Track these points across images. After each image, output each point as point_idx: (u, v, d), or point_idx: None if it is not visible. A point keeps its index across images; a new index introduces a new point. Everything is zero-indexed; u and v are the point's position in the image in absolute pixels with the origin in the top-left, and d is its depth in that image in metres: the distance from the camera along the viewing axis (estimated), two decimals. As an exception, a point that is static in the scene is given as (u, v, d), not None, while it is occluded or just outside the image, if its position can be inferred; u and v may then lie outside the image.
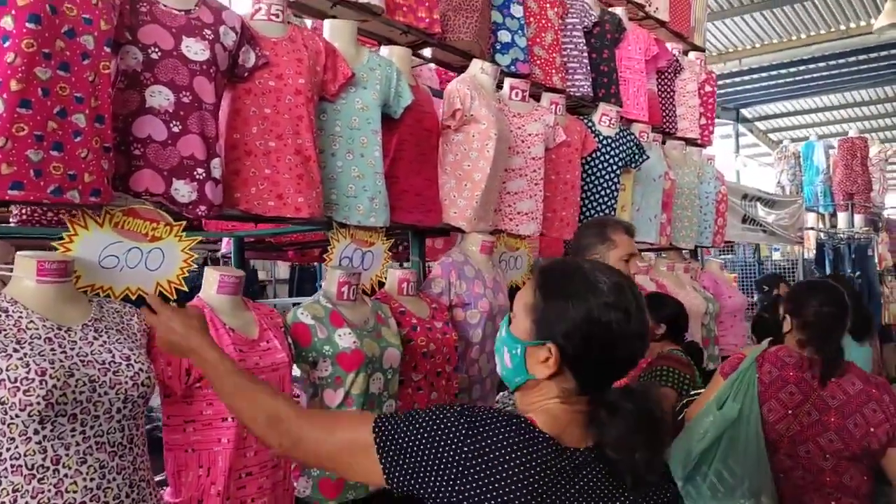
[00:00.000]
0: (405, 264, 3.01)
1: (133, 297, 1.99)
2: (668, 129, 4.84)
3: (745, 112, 15.84)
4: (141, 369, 1.77)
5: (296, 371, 2.26)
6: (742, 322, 4.99)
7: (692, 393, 2.87)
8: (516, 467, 1.17)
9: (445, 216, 2.99)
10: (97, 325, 1.78)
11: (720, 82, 13.23)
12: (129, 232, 1.95)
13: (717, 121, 15.67)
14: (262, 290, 7.62)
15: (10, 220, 2.89)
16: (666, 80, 4.90)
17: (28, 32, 1.60)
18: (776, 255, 9.92)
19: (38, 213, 2.98)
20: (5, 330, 1.62)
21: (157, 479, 1.88)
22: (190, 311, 1.75)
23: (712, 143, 5.39)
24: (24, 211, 2.99)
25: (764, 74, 12.90)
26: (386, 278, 2.71)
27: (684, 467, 2.33)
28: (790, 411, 2.35)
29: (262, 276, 7.80)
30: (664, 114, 4.82)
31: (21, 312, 1.67)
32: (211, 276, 2.08)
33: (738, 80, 13.30)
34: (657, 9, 4.87)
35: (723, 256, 10.65)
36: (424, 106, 2.86)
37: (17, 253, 1.76)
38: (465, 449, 1.20)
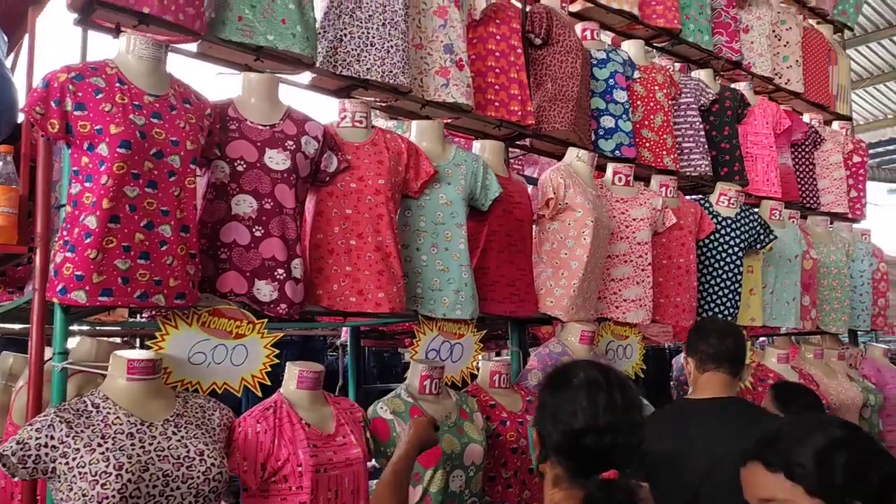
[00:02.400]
0: (503, 353, 2.98)
1: (220, 391, 2.12)
2: (808, 205, 4.50)
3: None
4: (213, 464, 1.86)
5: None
6: (913, 416, 4.38)
7: None
8: None
9: (542, 305, 2.94)
10: (178, 421, 1.90)
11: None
12: (215, 330, 2.09)
13: (903, 188, 14.23)
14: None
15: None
16: (804, 153, 4.60)
17: (119, 157, 1.82)
18: (973, 337, 8.68)
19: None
20: (94, 425, 1.77)
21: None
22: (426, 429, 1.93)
23: (865, 217, 4.93)
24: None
25: (950, 134, 11.76)
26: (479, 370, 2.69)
27: None
28: None
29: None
30: (802, 189, 4.50)
31: (110, 408, 1.83)
32: (291, 372, 2.17)
33: (919, 141, 12.22)
34: (789, 80, 4.63)
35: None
36: (515, 196, 2.87)
37: (113, 352, 1.94)
38: None
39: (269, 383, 2.19)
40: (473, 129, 3.09)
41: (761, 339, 5.12)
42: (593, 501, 1.33)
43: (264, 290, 2.13)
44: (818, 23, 5.14)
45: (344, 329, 4.17)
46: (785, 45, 4.67)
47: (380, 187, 2.40)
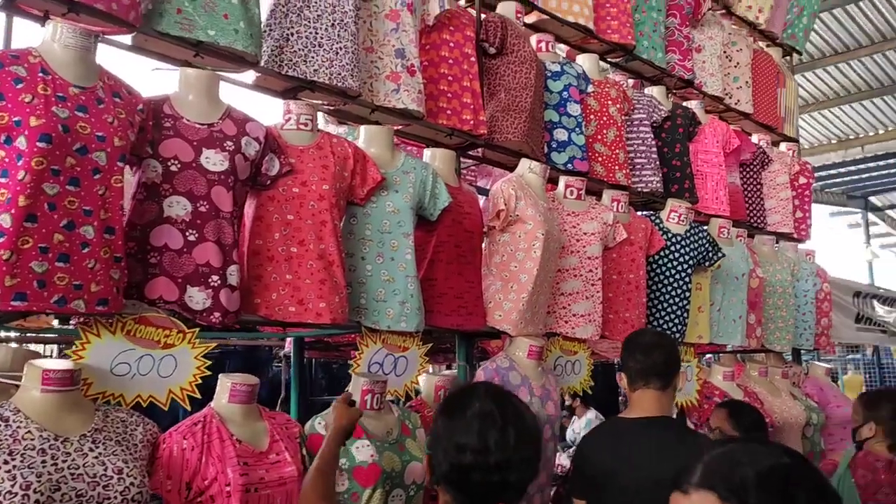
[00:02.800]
0: (452, 367, 2.90)
1: (144, 405, 1.99)
2: (755, 224, 4.55)
3: (874, 200, 14.92)
4: (132, 483, 1.73)
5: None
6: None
7: None
8: None
9: (490, 319, 2.88)
10: (96, 436, 1.77)
11: (843, 170, 12.63)
12: (142, 339, 1.97)
13: (843, 209, 14.75)
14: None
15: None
16: (752, 173, 4.66)
17: (39, 151, 1.69)
18: (908, 357, 8.97)
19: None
20: (1, 441, 1.63)
21: None
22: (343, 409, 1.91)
23: (810, 238, 5.02)
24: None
25: (891, 161, 12.17)
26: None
27: None
28: None
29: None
30: (750, 208, 4.55)
31: (20, 422, 1.69)
32: (223, 384, 2.06)
33: (862, 167, 12.63)
34: (739, 101, 4.69)
35: (849, 357, 9.78)
36: (465, 206, 2.81)
37: (28, 361, 1.80)
38: None
39: (199, 396, 2.07)
40: (424, 136, 3.02)
41: (707, 356, 5.16)
42: None
43: (197, 298, 2.02)
44: (768, 45, 5.24)
45: (288, 339, 4.04)
46: (735, 66, 4.73)
47: (324, 193, 2.30)
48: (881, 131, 11.92)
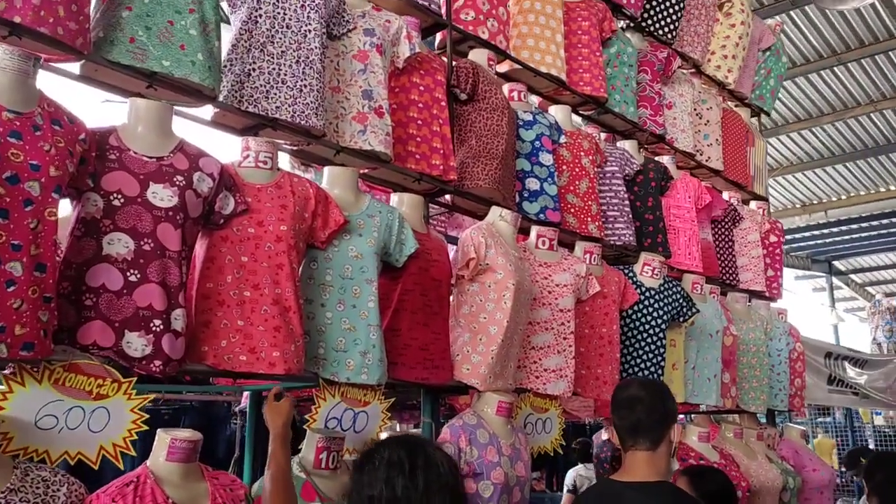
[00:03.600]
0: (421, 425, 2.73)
1: (72, 463, 1.79)
2: (728, 281, 4.49)
3: (837, 264, 15.10)
4: (48, 551, 1.53)
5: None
6: (830, 501, 4.30)
7: None
8: None
9: (458, 373, 2.72)
10: (10, 498, 1.58)
11: (807, 234, 12.81)
12: (71, 389, 1.78)
13: (808, 273, 14.92)
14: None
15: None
16: (723, 230, 4.62)
17: (-39, 178, 1.54)
18: (879, 420, 8.92)
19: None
20: None
21: None
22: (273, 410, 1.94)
23: (781, 296, 4.98)
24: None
25: (854, 226, 12.39)
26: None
27: None
28: None
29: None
30: (723, 265, 4.49)
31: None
32: (161, 441, 1.87)
33: (826, 231, 12.83)
34: (709, 158, 4.69)
35: (819, 420, 9.71)
36: (433, 254, 2.68)
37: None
38: None
39: (134, 454, 1.88)
40: (392, 181, 2.91)
41: (680, 416, 5.02)
42: None
43: (135, 344, 1.84)
44: (737, 105, 5.29)
45: (245, 393, 3.83)
46: (706, 124, 4.75)
47: (281, 234, 2.16)
48: (843, 197, 12.17)
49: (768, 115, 5.80)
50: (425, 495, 1.38)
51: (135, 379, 1.85)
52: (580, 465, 5.51)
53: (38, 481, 1.66)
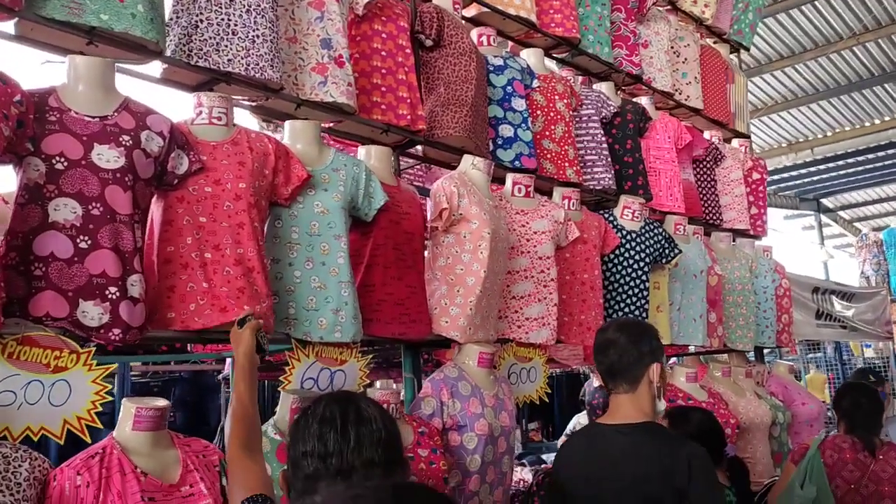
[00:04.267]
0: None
1: (35, 439, 1.74)
2: (711, 221, 4.44)
3: (825, 202, 15.12)
4: (8, 528, 1.48)
5: None
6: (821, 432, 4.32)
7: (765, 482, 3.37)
8: None
9: (436, 326, 2.67)
10: (-33, 475, 1.52)
11: (794, 172, 12.76)
12: (27, 363, 1.71)
13: (797, 212, 14.93)
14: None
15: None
16: (705, 170, 4.55)
17: None
18: (869, 353, 8.99)
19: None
20: None
21: None
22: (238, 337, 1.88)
23: (766, 234, 4.94)
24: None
25: (840, 163, 12.35)
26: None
27: None
28: (852, 486, 2.86)
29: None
30: (705, 204, 4.43)
31: None
32: (127, 410, 1.81)
33: (813, 169, 12.78)
34: (688, 97, 4.59)
35: (810, 356, 9.80)
36: (404, 206, 2.61)
37: None
38: None
39: (99, 425, 1.82)
40: (359, 134, 2.81)
41: (672, 360, 5.01)
42: None
43: (91, 313, 1.77)
44: (715, 42, 5.17)
45: (228, 360, 3.78)
46: (684, 62, 4.64)
47: (240, 192, 2.08)
48: (829, 133, 12.08)
49: (748, 50, 5.68)
50: (356, 449, 1.36)
51: (93, 349, 1.79)
52: (583, 413, 5.53)
53: (-3, 458, 1.60)
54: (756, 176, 4.97)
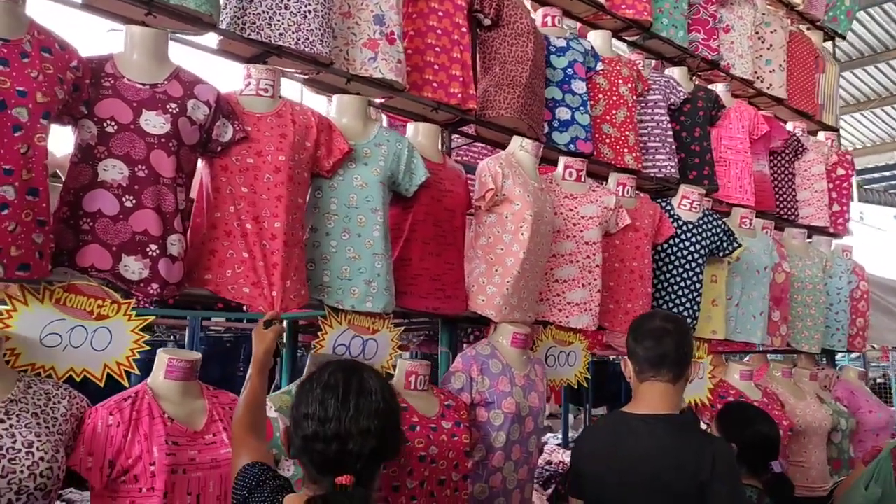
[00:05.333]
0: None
1: (78, 379, 1.89)
2: (785, 216, 4.26)
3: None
4: (42, 458, 1.63)
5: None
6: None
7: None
8: None
9: (473, 304, 2.71)
10: (10, 407, 1.68)
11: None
12: (73, 309, 1.86)
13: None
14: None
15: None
16: (784, 162, 4.36)
17: (-52, 104, 1.60)
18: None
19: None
20: None
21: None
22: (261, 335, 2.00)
23: (848, 233, 4.68)
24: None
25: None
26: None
27: None
28: None
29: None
30: (780, 199, 4.25)
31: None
32: (160, 360, 1.94)
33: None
34: (770, 85, 4.40)
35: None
36: (447, 183, 2.64)
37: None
38: None
39: (137, 372, 1.97)
40: (411, 111, 2.86)
41: (746, 357, 4.84)
42: (313, 502, 1.38)
43: (132, 267, 1.91)
44: (808, 28, 4.91)
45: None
46: (769, 48, 4.44)
47: (280, 164, 2.16)
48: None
49: (843, 38, 5.36)
50: (354, 417, 1.43)
51: (133, 301, 1.92)
52: None
53: (40, 393, 1.76)
54: (841, 172, 4.72)
